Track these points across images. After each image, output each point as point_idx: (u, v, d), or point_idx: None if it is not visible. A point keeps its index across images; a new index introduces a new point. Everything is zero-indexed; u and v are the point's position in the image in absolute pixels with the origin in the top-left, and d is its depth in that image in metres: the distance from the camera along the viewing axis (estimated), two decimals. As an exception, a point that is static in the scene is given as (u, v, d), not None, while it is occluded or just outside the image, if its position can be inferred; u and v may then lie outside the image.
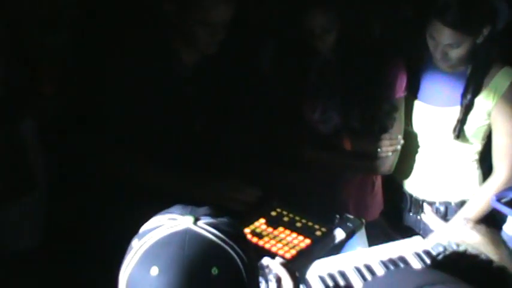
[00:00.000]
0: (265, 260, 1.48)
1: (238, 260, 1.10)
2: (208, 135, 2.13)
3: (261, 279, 1.43)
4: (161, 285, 1.05)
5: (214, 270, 1.07)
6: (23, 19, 2.17)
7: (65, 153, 2.30)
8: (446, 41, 2.06)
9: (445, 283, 1.04)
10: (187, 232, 1.10)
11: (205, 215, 1.15)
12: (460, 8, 2.02)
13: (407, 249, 1.89)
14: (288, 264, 1.48)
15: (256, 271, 1.18)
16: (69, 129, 2.24)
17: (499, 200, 1.90)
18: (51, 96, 2.27)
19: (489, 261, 1.62)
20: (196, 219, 1.12)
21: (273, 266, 1.46)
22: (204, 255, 1.08)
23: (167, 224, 1.12)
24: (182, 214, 1.14)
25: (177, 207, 1.17)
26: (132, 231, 1.17)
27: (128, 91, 2.00)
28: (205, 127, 2.14)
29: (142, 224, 1.17)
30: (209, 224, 1.12)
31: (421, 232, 2.34)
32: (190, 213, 1.14)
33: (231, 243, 1.10)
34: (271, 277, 1.45)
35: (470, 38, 2.07)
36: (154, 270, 1.06)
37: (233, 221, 1.17)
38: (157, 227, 1.13)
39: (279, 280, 1.44)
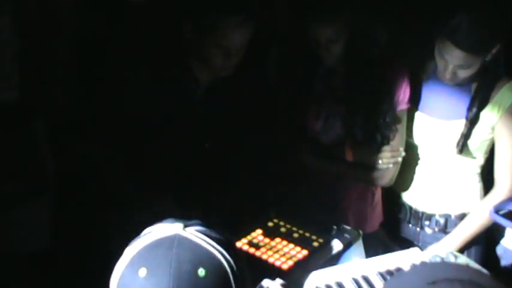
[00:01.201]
0: (266, 282, 1.47)
1: (226, 265, 1.10)
2: (215, 153, 2.14)
3: None
4: (149, 285, 1.07)
5: (201, 272, 1.08)
6: (33, 24, 2.18)
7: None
8: (457, 62, 2.04)
9: (452, 277, 1.03)
10: (176, 236, 1.11)
11: (196, 224, 1.16)
12: (473, 30, 1.98)
13: (405, 260, 1.88)
14: (289, 285, 1.48)
15: (246, 282, 1.18)
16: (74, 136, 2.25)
17: (497, 211, 1.89)
18: (60, 99, 2.27)
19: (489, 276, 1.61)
20: (186, 226, 1.13)
21: (273, 287, 1.45)
22: (192, 257, 1.09)
23: (157, 230, 1.14)
24: (172, 222, 1.15)
25: (169, 219, 1.18)
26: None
27: (141, 105, 2.00)
28: (213, 146, 2.14)
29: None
30: (198, 231, 1.13)
31: (420, 244, 2.33)
32: (181, 222, 1.15)
33: (219, 248, 1.11)
34: None
35: (481, 58, 2.05)
36: (143, 272, 1.08)
37: (224, 231, 1.18)
38: (148, 233, 1.15)
39: None
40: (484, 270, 1.77)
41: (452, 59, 2.04)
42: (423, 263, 1.74)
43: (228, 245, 1.14)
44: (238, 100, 2.14)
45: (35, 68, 2.25)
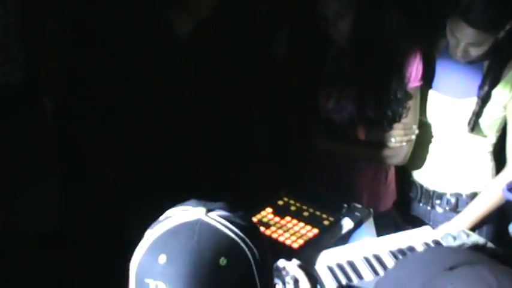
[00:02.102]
0: (282, 262, 1.46)
1: (249, 254, 1.07)
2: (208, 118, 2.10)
3: (278, 281, 1.42)
4: (168, 273, 1.04)
5: (223, 261, 1.05)
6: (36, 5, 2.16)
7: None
8: (469, 40, 2.02)
9: (472, 263, 1.02)
10: (198, 222, 1.08)
11: (220, 208, 1.12)
12: (485, 8, 1.97)
13: (417, 239, 1.87)
14: (305, 266, 1.46)
15: (269, 271, 1.15)
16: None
17: (510, 189, 1.87)
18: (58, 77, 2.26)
19: (504, 254, 1.61)
20: (209, 211, 1.10)
21: (290, 268, 1.44)
22: (213, 245, 1.06)
23: (179, 215, 1.11)
24: (195, 206, 1.12)
25: (191, 201, 1.15)
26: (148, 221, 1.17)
27: (119, 60, 1.96)
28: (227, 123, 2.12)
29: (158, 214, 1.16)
30: (222, 216, 1.10)
31: (431, 223, 2.32)
32: (204, 206, 1.12)
33: (242, 236, 1.08)
34: (288, 279, 1.43)
35: (493, 36, 2.03)
36: (162, 258, 1.05)
37: (247, 216, 1.15)
38: (169, 217, 1.12)
39: (296, 282, 1.43)
40: (500, 250, 1.77)
41: (464, 37, 2.02)
42: (436, 247, 1.73)
43: (252, 232, 1.11)
44: (250, 81, 2.11)
45: (41, 49, 2.22)
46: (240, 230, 1.08)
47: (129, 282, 1.09)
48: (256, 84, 2.16)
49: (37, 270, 2.23)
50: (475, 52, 2.06)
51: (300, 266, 1.44)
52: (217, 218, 1.09)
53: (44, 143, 2.26)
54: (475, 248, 1.61)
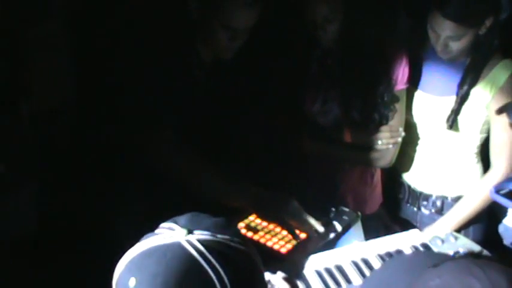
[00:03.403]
0: (267, 275, 1.44)
1: (217, 284, 1.05)
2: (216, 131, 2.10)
3: None
4: None
5: None
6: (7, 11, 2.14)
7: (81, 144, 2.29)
8: (447, 34, 2.03)
9: (454, 259, 1.02)
10: (173, 246, 1.07)
11: (205, 228, 1.11)
12: (462, 1, 1.98)
13: (405, 242, 1.86)
14: (291, 278, 1.45)
15: None
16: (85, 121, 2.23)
17: (497, 191, 1.87)
18: (45, 87, 2.23)
19: (490, 257, 1.61)
20: (190, 232, 1.09)
21: (275, 280, 1.43)
22: (181, 274, 1.04)
23: (163, 234, 1.11)
24: (182, 225, 1.11)
25: (185, 216, 1.14)
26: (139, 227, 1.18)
27: (144, 82, 1.95)
28: (215, 124, 2.10)
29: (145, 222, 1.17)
30: (200, 241, 1.08)
31: (418, 225, 2.32)
32: (189, 226, 1.10)
33: (216, 265, 1.05)
34: None
35: (472, 30, 2.04)
36: (132, 282, 1.06)
37: (236, 241, 1.11)
38: (155, 234, 1.12)
39: None
40: (485, 251, 1.77)
41: (442, 30, 2.02)
42: (419, 251, 1.73)
43: (230, 260, 1.08)
44: (239, 81, 2.10)
45: (19, 56, 2.20)
46: (216, 259, 1.06)
47: None
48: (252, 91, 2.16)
49: (14, 276, 2.21)
50: (455, 46, 2.06)
51: (285, 279, 1.42)
52: (194, 243, 1.07)
53: (20, 148, 2.23)
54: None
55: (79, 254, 2.15)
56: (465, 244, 1.86)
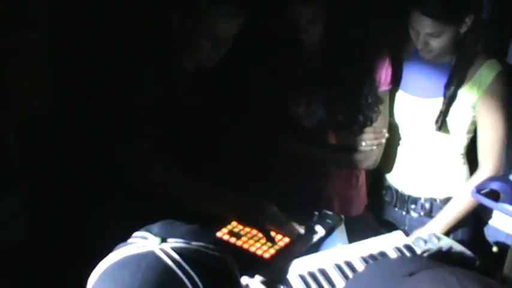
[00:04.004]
0: (244, 279, 1.44)
1: None
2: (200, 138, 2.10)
3: None
4: None
5: None
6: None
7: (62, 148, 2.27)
8: (426, 31, 2.03)
9: (430, 267, 1.01)
10: (147, 255, 1.06)
11: (180, 236, 1.10)
12: None
13: (388, 244, 1.86)
14: (268, 281, 1.44)
15: None
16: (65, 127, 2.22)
17: (479, 191, 1.87)
18: (27, 94, 2.22)
19: (468, 256, 1.60)
20: (164, 241, 1.08)
21: (253, 285, 1.42)
22: (157, 284, 1.03)
23: (136, 243, 1.09)
24: (155, 234, 1.10)
25: (158, 225, 1.13)
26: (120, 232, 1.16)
27: (126, 91, 1.94)
28: (198, 132, 2.10)
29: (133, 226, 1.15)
30: (175, 249, 1.07)
31: (406, 228, 2.32)
32: (163, 234, 1.09)
33: (191, 273, 1.05)
34: None
35: (452, 28, 2.04)
36: None
37: (212, 248, 1.10)
38: (128, 244, 1.10)
39: None
40: (467, 252, 1.77)
41: (421, 28, 2.04)
42: (392, 258, 1.72)
43: (205, 268, 1.07)
44: (222, 88, 2.10)
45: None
46: (190, 267, 1.05)
47: None
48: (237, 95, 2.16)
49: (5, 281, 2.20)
50: (435, 44, 2.06)
51: (263, 282, 1.41)
52: (168, 252, 1.06)
53: (6, 154, 2.22)
54: (438, 252, 1.60)
55: (62, 265, 2.14)
56: (448, 244, 1.86)
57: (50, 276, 2.15)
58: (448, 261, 1.57)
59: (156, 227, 1.13)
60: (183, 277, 1.04)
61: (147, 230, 1.12)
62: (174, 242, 1.08)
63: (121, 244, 1.11)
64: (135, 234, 1.13)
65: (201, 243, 1.09)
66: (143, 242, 1.09)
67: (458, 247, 1.82)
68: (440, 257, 1.64)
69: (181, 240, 1.09)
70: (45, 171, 2.29)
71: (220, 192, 1.91)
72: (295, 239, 1.87)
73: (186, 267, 1.05)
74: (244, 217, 1.89)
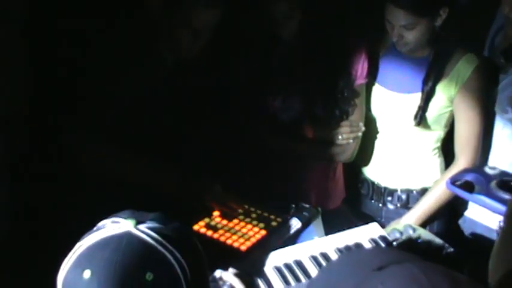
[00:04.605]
0: (218, 272, 1.44)
1: (177, 268, 1.06)
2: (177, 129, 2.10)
3: None
4: None
5: (149, 276, 1.03)
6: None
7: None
8: (400, 23, 2.05)
9: (400, 262, 1.01)
10: (125, 235, 1.07)
11: (152, 220, 1.11)
12: None
13: (364, 235, 1.87)
14: (242, 274, 1.44)
15: (203, 284, 1.13)
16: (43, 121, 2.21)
17: (453, 182, 1.89)
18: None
19: (442, 247, 1.62)
20: (139, 223, 1.09)
21: (227, 277, 1.43)
22: (139, 259, 1.05)
23: (108, 227, 1.10)
24: (126, 218, 1.10)
25: (125, 212, 1.14)
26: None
27: (106, 83, 1.94)
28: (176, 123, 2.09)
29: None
30: (151, 229, 1.08)
31: (383, 220, 2.33)
32: (134, 218, 1.10)
33: (171, 248, 1.06)
34: None
35: (425, 20, 2.05)
36: (87, 273, 1.04)
37: (184, 229, 1.13)
38: (98, 229, 1.10)
39: None
40: (437, 240, 1.78)
41: (395, 20, 2.05)
42: (363, 249, 1.73)
43: (183, 245, 1.09)
44: (201, 80, 2.10)
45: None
46: (170, 243, 1.06)
47: None
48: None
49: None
50: (410, 36, 2.08)
51: (236, 274, 1.42)
52: (146, 231, 1.07)
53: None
54: (409, 242, 1.62)
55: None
56: (423, 235, 1.87)
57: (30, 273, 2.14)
58: (419, 250, 1.59)
59: (124, 213, 1.13)
60: (165, 252, 1.06)
61: (116, 217, 1.12)
62: (148, 223, 1.09)
63: (88, 232, 1.11)
64: (102, 222, 1.12)
65: (173, 224, 1.11)
66: (116, 225, 1.09)
67: (428, 236, 1.83)
68: (411, 247, 1.66)
69: (155, 222, 1.10)
70: (23, 167, 2.27)
71: (171, 173, 1.97)
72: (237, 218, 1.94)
73: (166, 243, 1.06)
74: (191, 195, 1.95)
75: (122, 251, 1.04)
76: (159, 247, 1.06)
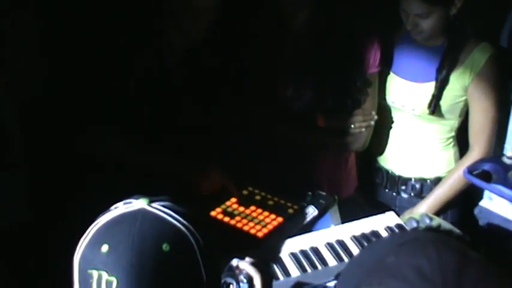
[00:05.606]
0: (235, 261, 1.45)
1: (192, 240, 1.08)
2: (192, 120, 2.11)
3: (231, 280, 1.40)
4: (111, 261, 1.04)
5: (166, 247, 1.05)
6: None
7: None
8: (415, 11, 2.04)
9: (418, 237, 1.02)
10: (140, 211, 1.09)
11: (163, 200, 1.13)
12: None
13: (380, 224, 1.88)
14: (259, 263, 1.45)
15: (215, 262, 1.15)
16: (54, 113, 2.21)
17: (470, 172, 1.89)
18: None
19: (461, 237, 1.63)
20: (151, 201, 1.11)
21: (243, 266, 1.43)
22: (155, 231, 1.06)
23: (121, 206, 1.11)
24: (137, 199, 1.12)
25: (135, 196, 1.15)
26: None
27: (119, 74, 1.95)
28: (190, 113, 2.10)
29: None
30: (164, 206, 1.10)
31: (397, 209, 2.33)
32: (146, 198, 1.12)
33: (185, 222, 1.08)
34: (242, 278, 1.41)
35: (440, 9, 2.05)
36: (105, 248, 1.05)
37: (194, 208, 1.14)
38: (113, 209, 1.12)
39: (250, 280, 1.41)
40: (456, 230, 1.79)
41: (410, 9, 2.05)
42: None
43: (195, 219, 1.11)
44: (211, 69, 2.10)
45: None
46: (183, 218, 1.09)
47: (73, 275, 1.09)
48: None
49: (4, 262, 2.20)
50: (425, 25, 2.07)
51: (253, 263, 1.43)
52: (159, 207, 1.09)
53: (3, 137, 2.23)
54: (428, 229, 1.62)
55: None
56: (443, 224, 1.88)
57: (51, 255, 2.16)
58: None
59: (134, 197, 1.14)
60: (180, 225, 1.07)
61: (127, 200, 1.14)
62: (161, 202, 1.11)
63: (103, 212, 1.12)
64: (116, 205, 1.13)
65: (185, 204, 1.13)
66: (129, 205, 1.11)
67: (447, 225, 1.84)
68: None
69: (167, 201, 1.12)
70: (42, 152, 2.29)
71: (175, 159, 2.01)
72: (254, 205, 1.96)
73: (180, 218, 1.08)
74: (189, 176, 1.99)
75: (137, 225, 1.06)
76: (173, 221, 1.08)
